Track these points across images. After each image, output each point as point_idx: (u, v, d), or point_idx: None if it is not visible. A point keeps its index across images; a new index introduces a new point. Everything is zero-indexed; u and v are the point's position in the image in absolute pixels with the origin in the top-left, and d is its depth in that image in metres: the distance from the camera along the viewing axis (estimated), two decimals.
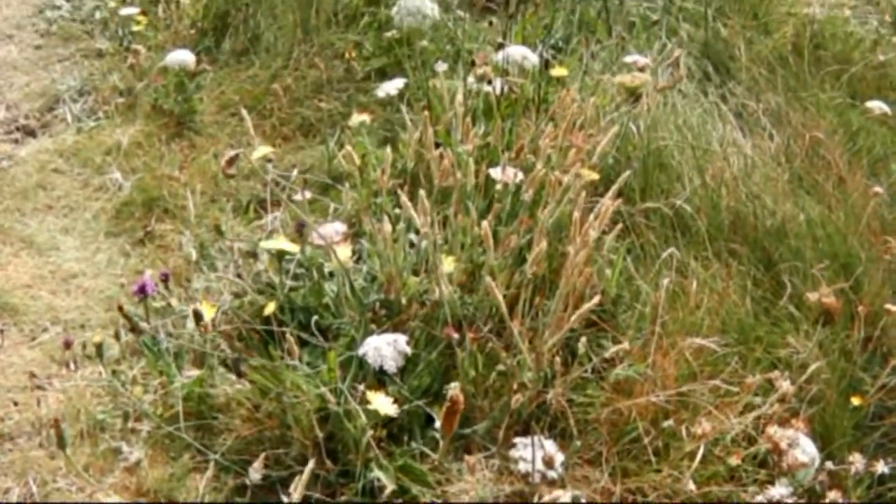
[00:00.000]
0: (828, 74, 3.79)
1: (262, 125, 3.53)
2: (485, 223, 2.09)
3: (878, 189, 3.09)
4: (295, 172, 3.05)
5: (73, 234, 3.19)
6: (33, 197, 3.37)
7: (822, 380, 2.33)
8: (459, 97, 2.61)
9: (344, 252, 2.24)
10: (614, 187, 2.32)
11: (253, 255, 2.79)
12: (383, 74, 3.61)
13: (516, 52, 3.03)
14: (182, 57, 3.64)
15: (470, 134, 2.48)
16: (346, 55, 3.65)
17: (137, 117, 3.73)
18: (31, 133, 3.80)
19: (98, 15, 4.52)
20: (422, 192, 2.17)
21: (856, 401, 2.36)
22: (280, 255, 2.41)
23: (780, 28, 3.96)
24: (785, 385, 2.16)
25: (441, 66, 3.37)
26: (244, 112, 2.42)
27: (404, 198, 2.19)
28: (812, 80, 3.73)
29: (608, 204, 2.16)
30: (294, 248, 2.28)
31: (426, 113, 2.50)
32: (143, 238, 3.11)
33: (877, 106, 3.59)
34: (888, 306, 2.60)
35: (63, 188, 3.42)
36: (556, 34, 3.71)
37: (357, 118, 2.81)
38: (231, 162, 2.13)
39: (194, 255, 2.89)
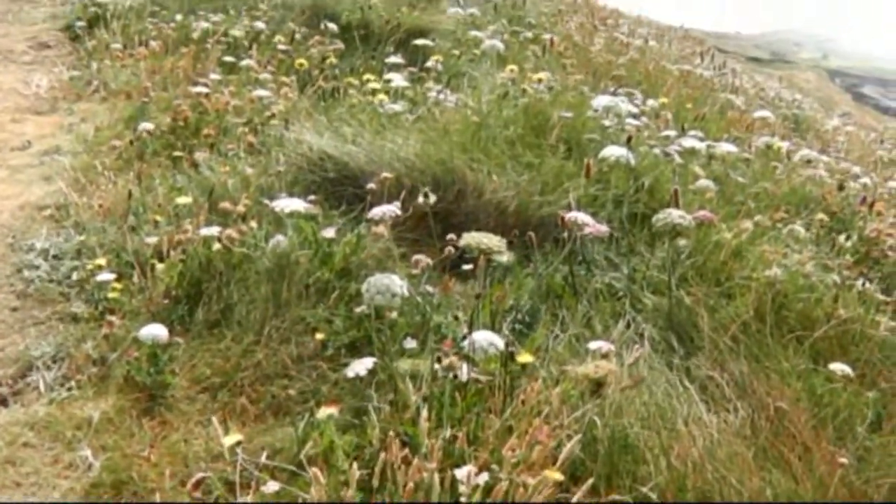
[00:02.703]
0: (791, 339, 3.87)
1: (232, 402, 3.56)
2: None
3: (843, 460, 3.12)
4: (264, 457, 3.05)
5: None
6: (2, 473, 3.34)
7: None
8: (424, 413, 2.65)
9: None
10: (578, 495, 2.34)
11: None
12: (353, 348, 3.67)
13: (482, 338, 3.08)
14: (155, 331, 3.68)
15: (434, 447, 2.49)
16: (317, 332, 3.71)
17: (110, 389, 3.74)
18: (2, 401, 3.81)
19: (75, 276, 4.59)
20: None
21: None
22: None
23: (742, 292, 4.05)
24: None
25: (410, 343, 3.45)
26: (215, 421, 2.44)
27: None
28: (775, 345, 3.80)
29: None
30: None
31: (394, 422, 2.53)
32: None
33: (839, 369, 3.66)
34: None
35: (32, 464, 3.39)
36: (524, 308, 3.79)
37: (325, 411, 2.83)
38: (198, 485, 2.15)
39: None
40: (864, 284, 4.64)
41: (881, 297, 4.68)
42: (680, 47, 17.40)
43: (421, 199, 3.66)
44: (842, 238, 5.07)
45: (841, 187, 6.50)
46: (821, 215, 5.61)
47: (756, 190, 5.55)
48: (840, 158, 9.12)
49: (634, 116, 6.13)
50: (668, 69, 10.48)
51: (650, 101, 7.73)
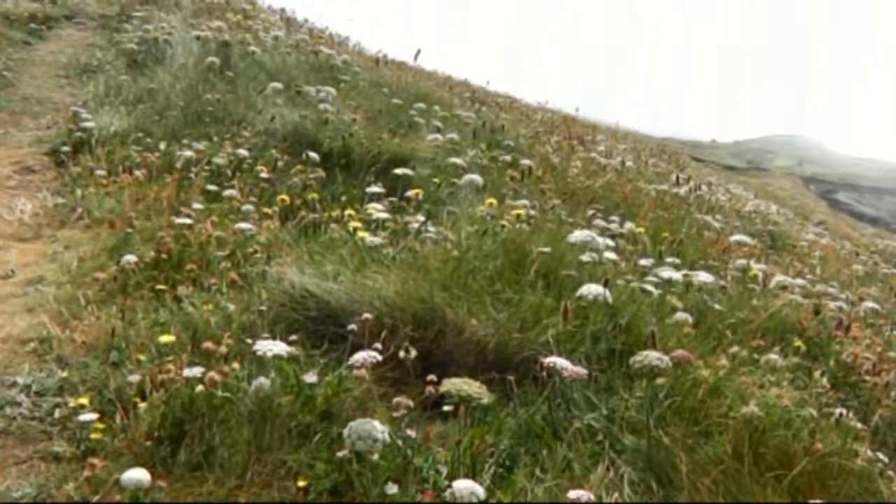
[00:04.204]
0: (770, 477, 3.89)
1: None
2: None
3: None
4: None
5: None
6: None
7: None
8: None
9: None
10: None
11: None
12: (335, 492, 3.68)
13: (463, 487, 3.11)
14: (137, 476, 3.67)
15: None
16: (299, 477, 3.72)
17: None
18: None
19: (57, 413, 4.58)
20: None
21: None
22: None
23: (720, 431, 4.09)
24: None
25: (392, 488, 3.47)
26: None
27: None
28: (753, 483, 3.83)
29: None
30: None
31: None
32: None
33: None
34: None
35: None
36: (504, 451, 3.82)
37: None
38: None
39: None
40: (841, 414, 4.68)
41: (859, 425, 4.72)
42: (656, 162, 17.72)
43: (402, 354, 3.72)
44: (817, 374, 5.12)
45: (817, 311, 6.59)
46: (798, 342, 5.68)
47: (733, 321, 5.63)
48: (815, 280, 9.23)
49: (613, 248, 6.24)
50: (644, 190, 10.66)
51: (628, 224, 7.88)
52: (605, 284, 4.59)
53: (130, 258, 5.89)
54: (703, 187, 15.43)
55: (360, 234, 5.77)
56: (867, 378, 5.73)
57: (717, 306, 5.89)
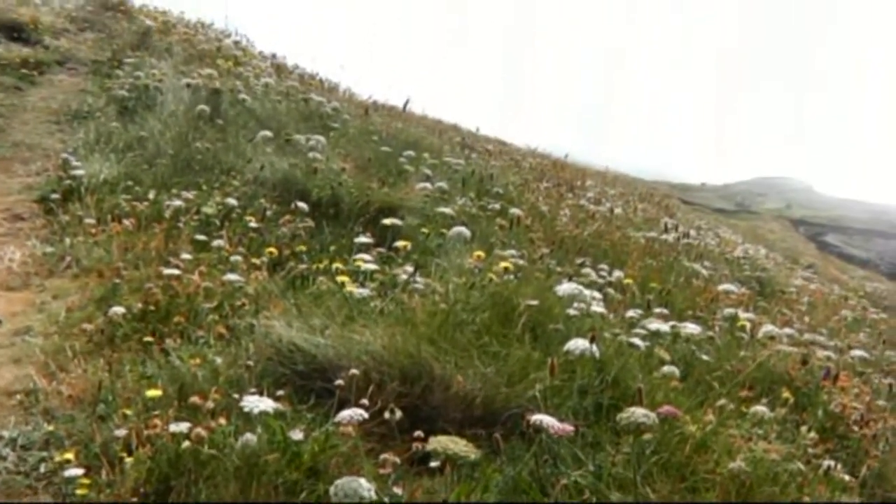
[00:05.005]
0: None
1: None
2: None
3: None
4: None
5: None
6: None
7: None
8: None
9: None
10: None
11: None
12: None
13: None
14: None
15: None
16: None
17: None
18: None
19: (43, 468, 4.56)
20: None
21: None
22: None
23: (707, 487, 4.09)
24: None
25: None
26: None
27: None
28: None
29: None
30: None
31: None
32: None
33: None
34: None
35: None
36: None
37: None
38: None
39: None
40: (829, 467, 4.68)
41: (847, 477, 4.72)
42: (645, 207, 17.79)
43: (387, 415, 3.73)
44: (804, 429, 5.12)
45: (805, 362, 6.60)
46: (786, 393, 5.68)
47: (721, 372, 5.64)
48: (804, 328, 9.25)
49: (600, 299, 6.25)
50: (633, 238, 10.70)
51: (616, 273, 7.91)
52: (592, 340, 4.60)
53: (118, 309, 5.88)
54: (692, 232, 15.51)
55: (349, 287, 5.78)
56: (855, 428, 5.73)
57: (704, 357, 5.90)
